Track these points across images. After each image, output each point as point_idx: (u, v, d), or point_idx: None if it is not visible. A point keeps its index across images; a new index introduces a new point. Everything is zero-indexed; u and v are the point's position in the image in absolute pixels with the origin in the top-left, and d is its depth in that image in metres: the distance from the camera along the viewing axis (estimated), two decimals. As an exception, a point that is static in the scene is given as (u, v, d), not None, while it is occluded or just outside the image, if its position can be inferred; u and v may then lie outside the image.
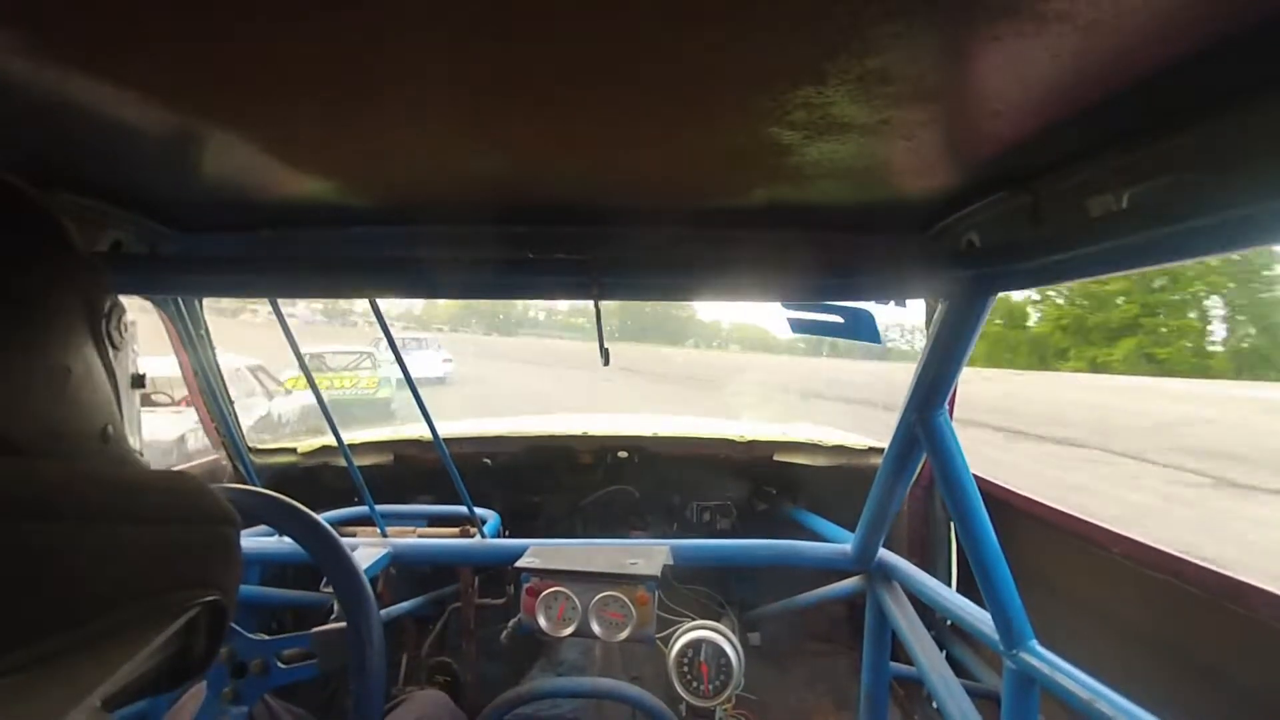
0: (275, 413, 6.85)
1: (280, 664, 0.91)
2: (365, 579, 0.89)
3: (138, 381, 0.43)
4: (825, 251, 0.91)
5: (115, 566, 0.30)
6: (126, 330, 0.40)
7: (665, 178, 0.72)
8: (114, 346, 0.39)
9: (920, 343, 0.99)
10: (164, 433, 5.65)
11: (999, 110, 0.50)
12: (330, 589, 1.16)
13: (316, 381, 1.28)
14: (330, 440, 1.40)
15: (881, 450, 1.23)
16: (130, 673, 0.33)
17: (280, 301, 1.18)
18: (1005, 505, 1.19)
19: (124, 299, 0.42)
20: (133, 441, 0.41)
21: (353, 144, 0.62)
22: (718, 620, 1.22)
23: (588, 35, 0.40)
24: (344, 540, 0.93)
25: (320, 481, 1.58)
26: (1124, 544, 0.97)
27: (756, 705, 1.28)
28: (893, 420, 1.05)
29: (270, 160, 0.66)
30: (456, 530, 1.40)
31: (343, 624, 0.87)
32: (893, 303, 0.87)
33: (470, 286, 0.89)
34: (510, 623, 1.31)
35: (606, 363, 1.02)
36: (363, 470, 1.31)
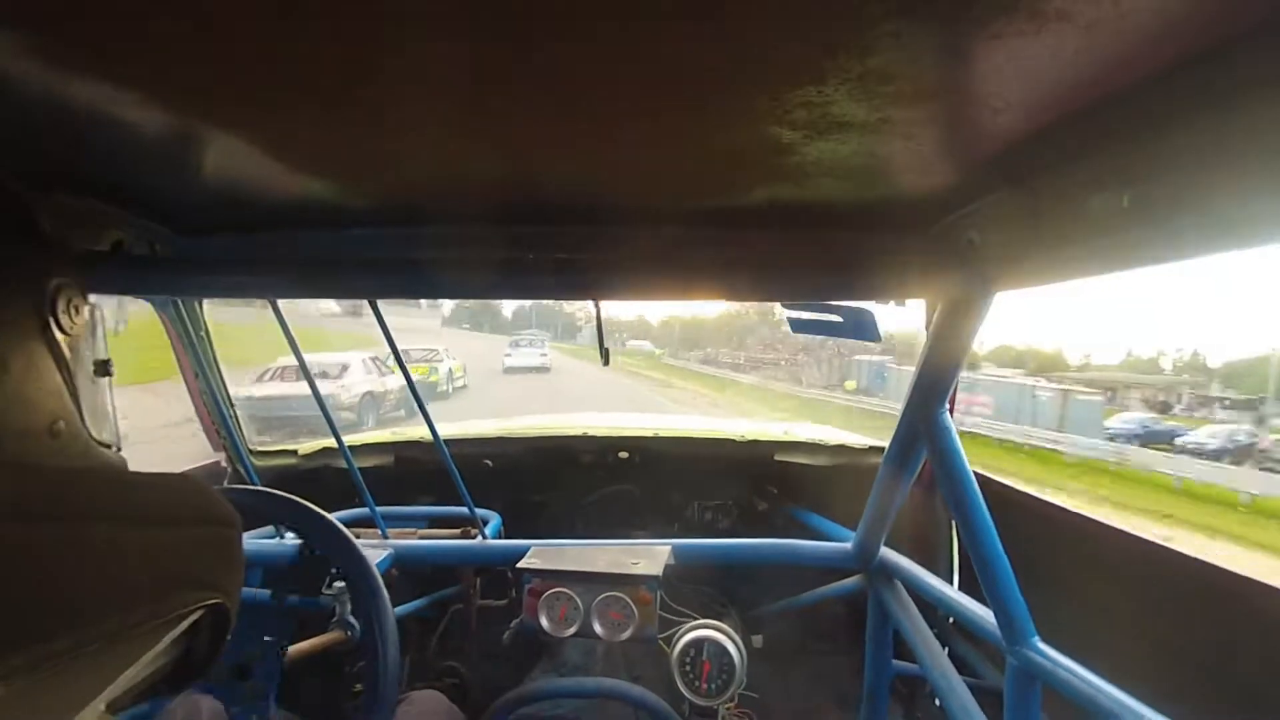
0: (385, 389, 10.12)
1: (283, 654, 0.90)
2: (380, 579, 0.89)
3: (102, 368, 0.41)
4: (825, 251, 0.91)
5: (118, 569, 0.30)
6: (79, 315, 0.37)
7: (665, 178, 0.72)
8: (65, 333, 0.36)
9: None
10: (358, 387, 9.54)
11: (999, 109, 0.50)
12: (332, 591, 1.16)
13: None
14: (331, 442, 1.40)
15: (882, 449, 1.23)
16: (134, 675, 0.33)
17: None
18: (1006, 502, 1.19)
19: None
20: (100, 430, 0.38)
21: (352, 145, 0.62)
22: (720, 620, 1.23)
23: (588, 35, 0.40)
24: None
25: (321, 483, 1.58)
26: (1125, 540, 0.97)
27: (759, 704, 1.28)
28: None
29: (270, 161, 0.66)
30: (458, 531, 1.40)
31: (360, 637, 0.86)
32: (893, 302, 0.87)
33: (470, 287, 0.89)
34: (512, 623, 1.31)
35: (606, 362, 1.03)
36: (363, 471, 1.31)
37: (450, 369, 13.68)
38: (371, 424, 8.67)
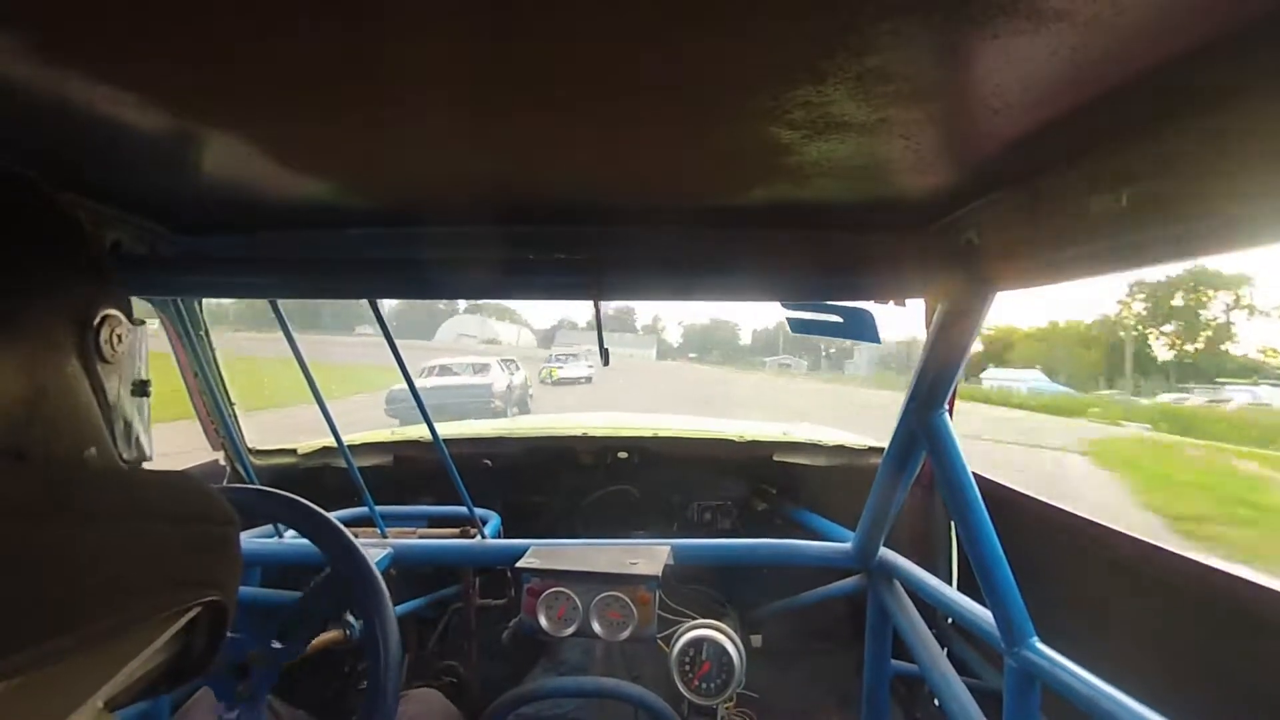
0: (508, 384, 12.34)
1: (278, 644, 0.91)
2: (380, 577, 0.89)
3: (140, 389, 0.40)
4: (825, 251, 0.91)
5: (115, 566, 0.30)
6: (123, 342, 0.37)
7: (665, 177, 0.72)
8: (104, 360, 0.36)
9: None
10: (501, 382, 11.95)
11: (997, 108, 0.50)
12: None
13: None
14: (330, 441, 1.40)
15: (882, 450, 1.23)
16: (132, 673, 0.33)
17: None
18: (1005, 503, 1.19)
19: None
20: (130, 452, 0.38)
21: (352, 144, 0.62)
22: (719, 619, 1.23)
23: (588, 35, 0.40)
24: None
25: (320, 483, 1.58)
26: (1124, 541, 0.97)
27: (758, 703, 1.28)
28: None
29: (270, 161, 0.66)
30: (457, 531, 1.40)
31: (328, 571, 0.88)
32: (892, 302, 0.87)
33: (471, 287, 0.89)
34: (511, 623, 1.31)
35: (606, 362, 1.03)
36: (363, 471, 1.31)
37: (525, 378, 15.84)
38: (511, 411, 11.44)
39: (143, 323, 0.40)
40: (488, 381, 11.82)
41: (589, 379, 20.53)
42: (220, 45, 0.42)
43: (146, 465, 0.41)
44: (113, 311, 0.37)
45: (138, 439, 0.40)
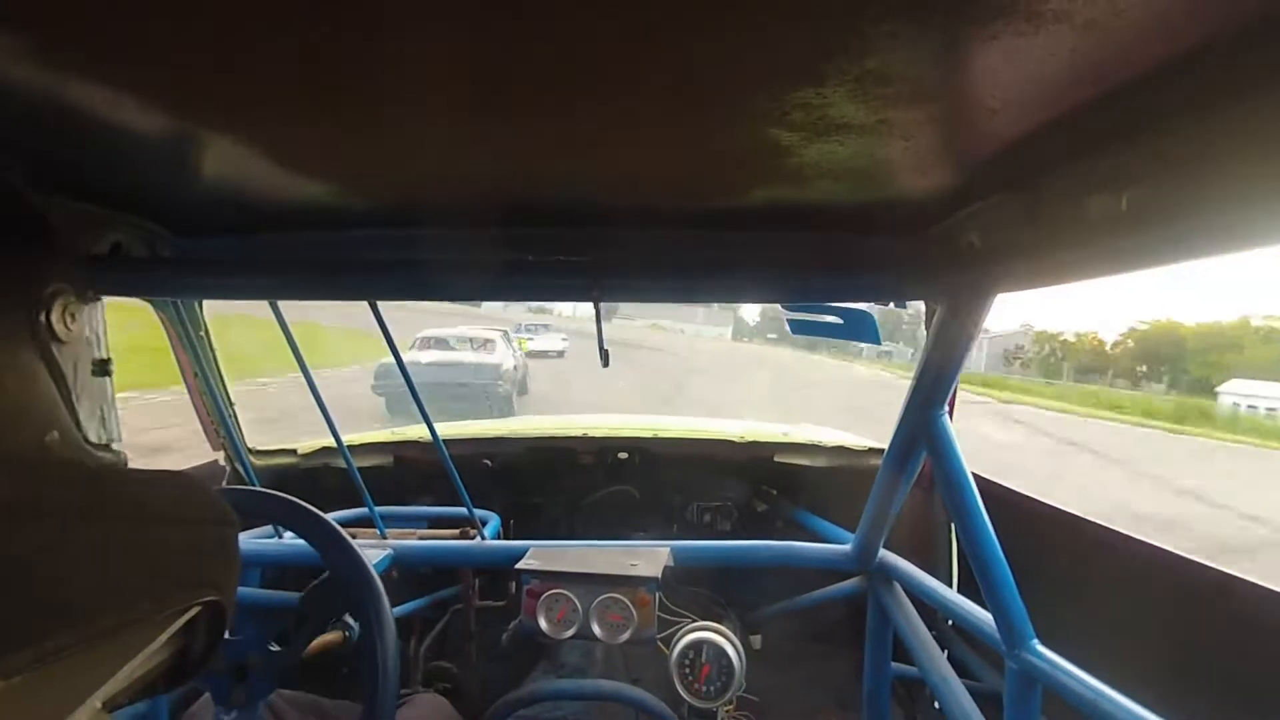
0: (514, 363, 11.09)
1: (275, 647, 0.91)
2: (378, 579, 0.89)
3: (101, 368, 0.39)
4: (825, 252, 0.91)
5: (115, 567, 0.30)
6: (76, 320, 0.35)
7: (665, 179, 0.72)
8: (59, 340, 0.35)
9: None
10: (509, 362, 10.55)
11: (997, 110, 0.50)
12: None
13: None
14: (330, 442, 1.40)
15: (882, 451, 1.23)
16: (131, 673, 0.33)
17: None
18: (1005, 504, 1.19)
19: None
20: (98, 432, 0.38)
21: (352, 146, 0.62)
22: (719, 621, 1.22)
23: (588, 36, 0.41)
24: None
25: (320, 483, 1.58)
26: (1124, 542, 0.97)
27: (758, 706, 1.28)
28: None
29: (270, 163, 0.66)
30: (457, 532, 1.40)
31: (326, 574, 0.89)
32: (893, 303, 0.87)
33: (471, 289, 0.89)
34: (511, 625, 1.31)
35: (606, 364, 1.03)
36: (362, 472, 1.31)
37: (523, 356, 13.73)
38: (517, 392, 10.79)
39: (98, 298, 0.38)
40: (496, 361, 10.07)
41: (561, 353, 19.21)
42: (220, 46, 0.42)
43: (120, 450, 0.40)
44: (62, 285, 0.35)
45: (102, 421, 0.38)
